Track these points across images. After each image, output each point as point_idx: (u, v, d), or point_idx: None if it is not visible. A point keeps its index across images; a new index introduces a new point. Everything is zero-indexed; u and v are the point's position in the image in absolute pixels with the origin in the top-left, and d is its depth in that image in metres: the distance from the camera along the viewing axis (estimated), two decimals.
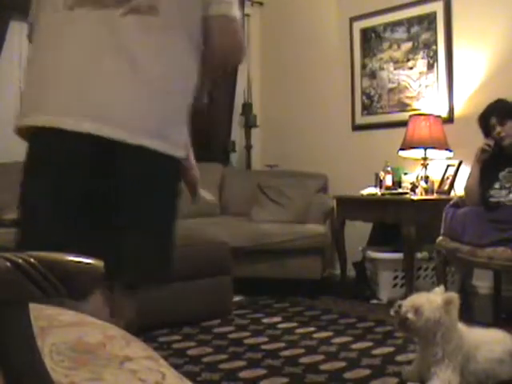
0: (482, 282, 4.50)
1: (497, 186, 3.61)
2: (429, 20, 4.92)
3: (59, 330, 1.00)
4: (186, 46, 1.82)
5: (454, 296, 2.47)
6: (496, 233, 3.41)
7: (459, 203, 3.77)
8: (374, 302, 4.34)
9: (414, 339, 2.67)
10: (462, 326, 2.52)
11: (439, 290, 2.53)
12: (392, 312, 2.52)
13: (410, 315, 2.43)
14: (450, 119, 4.76)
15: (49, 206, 1.73)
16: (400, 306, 2.48)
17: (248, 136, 5.99)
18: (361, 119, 5.45)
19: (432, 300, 2.46)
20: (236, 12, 1.88)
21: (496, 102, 3.73)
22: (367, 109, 5.40)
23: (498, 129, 3.66)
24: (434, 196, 4.40)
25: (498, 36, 4.52)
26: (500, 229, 3.40)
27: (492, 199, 3.62)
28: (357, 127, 5.48)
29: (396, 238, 4.31)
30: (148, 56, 1.74)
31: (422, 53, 5.00)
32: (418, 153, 4.59)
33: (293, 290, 4.52)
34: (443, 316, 2.42)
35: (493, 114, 3.69)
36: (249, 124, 5.98)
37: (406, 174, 4.81)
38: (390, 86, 5.23)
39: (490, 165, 3.70)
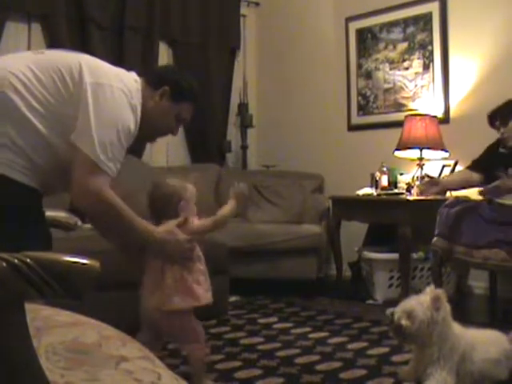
0: (478, 283, 4.50)
1: None
2: (425, 20, 4.93)
3: (55, 330, 1.00)
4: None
5: (440, 292, 2.47)
6: (493, 233, 3.42)
7: (453, 204, 3.77)
8: (370, 302, 4.34)
9: (412, 342, 2.66)
10: (457, 326, 2.52)
11: (429, 289, 2.53)
12: (386, 321, 2.53)
13: (404, 321, 2.43)
14: (445, 119, 4.77)
15: None
16: (393, 314, 2.48)
17: (244, 136, 5.98)
18: (357, 119, 5.45)
19: (422, 301, 2.46)
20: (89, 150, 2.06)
21: (504, 102, 3.74)
22: (363, 109, 5.41)
23: (502, 130, 3.68)
24: (430, 196, 4.40)
25: (494, 36, 4.53)
26: (497, 230, 3.41)
27: (498, 200, 3.64)
28: (353, 127, 5.48)
29: (392, 238, 4.31)
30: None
31: (417, 53, 5.00)
32: (413, 153, 4.60)
33: (288, 291, 4.52)
34: (434, 314, 2.42)
35: (497, 115, 3.71)
36: (245, 124, 5.98)
37: (401, 174, 4.81)
38: (386, 86, 5.23)
39: (497, 163, 3.71)
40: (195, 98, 2.50)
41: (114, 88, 2.14)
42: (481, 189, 3.71)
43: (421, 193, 4.11)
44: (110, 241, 2.41)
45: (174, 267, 2.41)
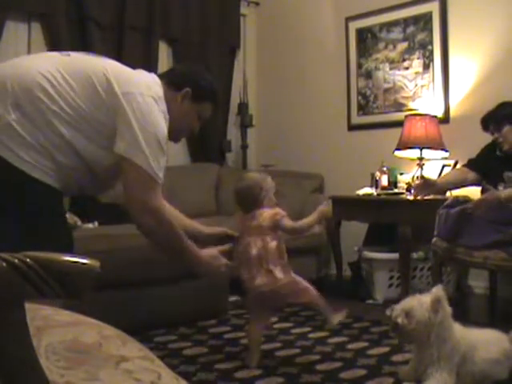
0: (478, 282, 4.50)
1: (501, 187, 3.60)
2: (425, 20, 4.92)
3: (55, 329, 1.00)
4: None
5: (441, 294, 2.46)
6: (492, 234, 3.41)
7: (452, 204, 3.76)
8: (370, 302, 4.34)
9: (409, 341, 2.66)
10: (458, 327, 2.51)
11: (436, 289, 2.52)
12: (387, 317, 2.53)
13: (400, 319, 2.43)
14: (445, 119, 4.77)
15: None
16: (393, 311, 2.48)
17: (244, 136, 5.98)
18: (357, 119, 5.45)
19: (423, 302, 2.46)
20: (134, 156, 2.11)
21: (496, 107, 3.73)
22: (363, 109, 5.40)
23: (496, 135, 3.67)
24: (430, 196, 4.40)
25: (494, 35, 4.52)
26: (497, 230, 3.40)
27: None
28: (353, 127, 5.48)
29: (392, 238, 4.31)
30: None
31: (417, 53, 5.00)
32: (413, 153, 4.59)
33: None
34: (432, 316, 2.42)
35: (490, 120, 3.70)
36: (245, 124, 5.98)
37: (401, 174, 4.81)
38: (386, 86, 5.23)
39: (494, 166, 3.71)
40: (215, 98, 2.53)
41: (145, 96, 2.16)
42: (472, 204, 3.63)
43: (415, 195, 4.06)
44: (159, 252, 2.46)
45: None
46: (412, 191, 4.20)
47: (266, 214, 2.82)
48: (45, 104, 2.01)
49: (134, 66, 2.39)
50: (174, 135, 2.46)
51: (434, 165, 4.68)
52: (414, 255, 4.28)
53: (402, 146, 4.56)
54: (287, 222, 2.83)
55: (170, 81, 2.40)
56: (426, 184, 3.88)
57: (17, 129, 1.97)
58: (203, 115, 2.50)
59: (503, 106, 3.70)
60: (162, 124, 2.18)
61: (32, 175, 1.99)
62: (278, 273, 2.77)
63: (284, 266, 2.82)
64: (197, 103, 2.43)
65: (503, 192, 3.42)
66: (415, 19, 4.99)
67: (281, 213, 2.84)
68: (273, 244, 2.80)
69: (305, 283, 2.92)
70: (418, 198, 4.01)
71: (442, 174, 4.48)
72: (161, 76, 2.41)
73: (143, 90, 2.17)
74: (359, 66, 5.43)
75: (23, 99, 2.00)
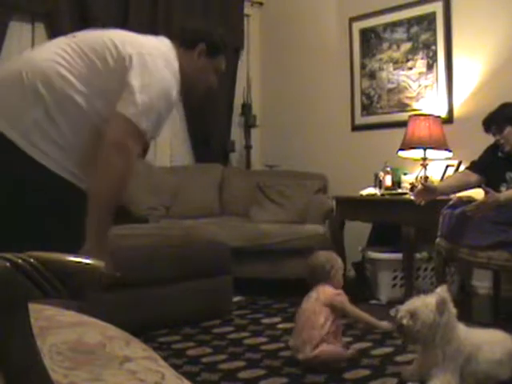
0: (482, 282, 4.50)
1: (503, 187, 3.59)
2: (428, 20, 4.92)
3: (59, 330, 1.00)
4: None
5: (446, 295, 2.46)
6: (495, 234, 3.40)
7: (456, 204, 3.75)
8: (374, 302, 4.34)
9: (414, 342, 2.66)
10: (462, 327, 2.51)
11: (440, 290, 2.52)
12: (391, 318, 2.53)
13: (405, 321, 2.43)
14: (449, 119, 4.76)
15: None
16: (397, 312, 2.48)
17: (247, 136, 5.99)
18: (360, 119, 5.45)
19: (428, 303, 2.46)
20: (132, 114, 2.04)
21: (498, 108, 3.72)
22: (367, 109, 5.40)
23: (498, 136, 3.67)
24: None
25: (498, 35, 4.52)
26: (501, 230, 3.40)
27: None
28: (356, 127, 5.48)
29: (395, 238, 4.31)
30: None
31: (421, 53, 5.00)
32: (417, 153, 4.59)
33: (292, 291, 4.51)
34: (437, 318, 2.42)
35: (492, 122, 3.69)
36: (248, 124, 5.98)
37: (405, 174, 4.80)
38: (390, 86, 5.23)
39: (496, 166, 3.70)
40: (226, 49, 2.59)
41: (154, 56, 2.15)
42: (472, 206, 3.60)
43: (415, 201, 3.96)
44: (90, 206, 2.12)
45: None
46: (412, 197, 4.17)
47: (328, 290, 2.99)
48: (65, 91, 2.02)
49: None
50: (193, 94, 2.49)
51: (438, 165, 4.67)
52: (418, 255, 4.28)
53: (406, 146, 4.56)
54: (349, 305, 2.99)
55: (183, 41, 2.39)
56: (426, 190, 3.84)
57: (44, 127, 1.98)
58: (219, 68, 2.51)
59: (505, 108, 3.69)
60: (169, 84, 2.15)
61: (71, 182, 2.02)
62: (313, 348, 2.82)
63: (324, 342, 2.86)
64: (212, 58, 2.44)
65: (503, 194, 3.41)
66: (419, 19, 4.99)
67: (343, 294, 3.02)
68: (321, 321, 2.87)
69: (335, 351, 2.90)
70: (422, 203, 3.95)
71: (445, 176, 4.48)
72: (172, 38, 2.40)
73: (153, 51, 2.17)
74: (363, 66, 5.42)
75: (45, 93, 2.00)
